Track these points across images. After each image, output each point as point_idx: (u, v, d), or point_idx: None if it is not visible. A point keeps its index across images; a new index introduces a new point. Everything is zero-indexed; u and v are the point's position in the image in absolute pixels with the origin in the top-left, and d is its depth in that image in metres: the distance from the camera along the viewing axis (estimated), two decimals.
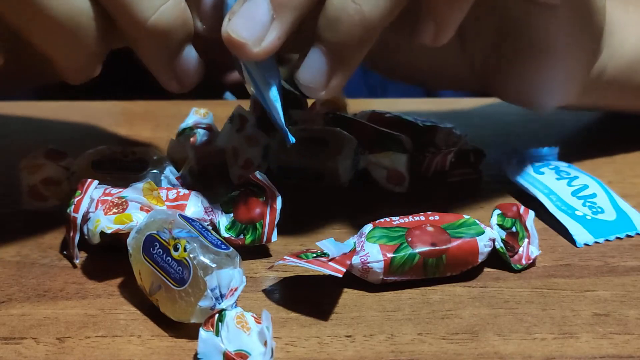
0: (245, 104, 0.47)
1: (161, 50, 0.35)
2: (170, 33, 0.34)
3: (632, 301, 0.34)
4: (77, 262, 0.37)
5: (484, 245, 0.35)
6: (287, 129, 0.36)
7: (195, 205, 0.36)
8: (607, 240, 0.39)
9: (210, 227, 0.35)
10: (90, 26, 0.33)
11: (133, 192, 0.35)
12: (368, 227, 0.36)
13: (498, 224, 0.37)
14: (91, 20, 0.33)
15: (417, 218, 0.36)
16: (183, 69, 0.36)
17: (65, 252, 0.38)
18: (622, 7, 0.47)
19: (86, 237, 0.35)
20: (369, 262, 0.34)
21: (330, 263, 0.33)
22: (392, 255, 0.34)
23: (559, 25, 0.41)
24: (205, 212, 0.36)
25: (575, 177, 0.43)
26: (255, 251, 0.37)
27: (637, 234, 0.40)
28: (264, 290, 0.35)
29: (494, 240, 0.36)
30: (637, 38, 0.47)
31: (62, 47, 0.33)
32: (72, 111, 0.57)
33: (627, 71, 0.47)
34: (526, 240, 0.37)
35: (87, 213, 0.36)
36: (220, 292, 0.30)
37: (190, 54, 0.36)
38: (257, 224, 0.36)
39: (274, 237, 0.37)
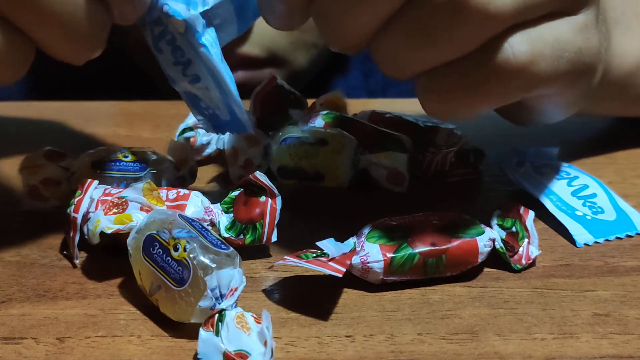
0: (245, 104, 0.47)
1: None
2: None
3: (632, 301, 0.34)
4: (77, 262, 0.37)
5: (484, 245, 0.35)
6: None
7: (195, 205, 0.36)
8: (607, 240, 0.39)
9: (210, 227, 0.35)
10: (87, 19, 0.33)
11: (133, 192, 0.35)
12: (368, 227, 0.36)
13: (498, 224, 0.37)
14: (88, 14, 0.32)
15: (417, 218, 0.36)
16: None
17: (65, 252, 0.38)
18: (623, 27, 0.44)
19: (86, 237, 0.35)
20: (369, 262, 0.34)
21: (330, 263, 0.33)
22: (392, 255, 0.34)
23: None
24: (205, 212, 0.36)
25: (575, 177, 0.43)
26: (255, 251, 0.37)
27: (637, 234, 0.40)
28: (264, 290, 0.35)
29: (494, 240, 0.36)
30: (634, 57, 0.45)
31: (61, 40, 0.33)
32: (71, 111, 0.57)
33: (619, 86, 0.45)
34: (526, 240, 0.37)
35: (87, 213, 0.36)
36: (220, 292, 0.30)
37: None
38: (257, 224, 0.36)
39: (274, 237, 0.37)
